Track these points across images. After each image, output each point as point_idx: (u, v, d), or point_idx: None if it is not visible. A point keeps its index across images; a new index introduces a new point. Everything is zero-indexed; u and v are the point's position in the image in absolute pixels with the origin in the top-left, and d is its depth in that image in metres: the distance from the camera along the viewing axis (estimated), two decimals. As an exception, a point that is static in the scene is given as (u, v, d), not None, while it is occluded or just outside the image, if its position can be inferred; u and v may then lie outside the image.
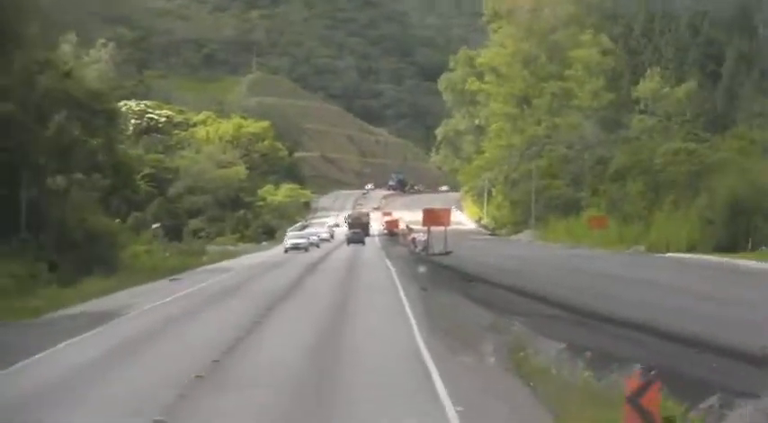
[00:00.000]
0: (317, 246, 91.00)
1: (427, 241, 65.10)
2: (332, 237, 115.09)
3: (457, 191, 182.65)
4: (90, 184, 61.93)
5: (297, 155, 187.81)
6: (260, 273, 55.57)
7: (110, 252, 57.74)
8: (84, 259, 52.68)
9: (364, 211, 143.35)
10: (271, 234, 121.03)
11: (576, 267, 50.40)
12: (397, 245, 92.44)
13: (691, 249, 65.06)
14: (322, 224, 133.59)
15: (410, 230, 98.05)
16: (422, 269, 49.72)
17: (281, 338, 24.29)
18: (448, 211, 68.85)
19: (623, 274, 44.06)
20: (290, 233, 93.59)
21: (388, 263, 59.81)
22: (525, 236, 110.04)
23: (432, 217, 64.86)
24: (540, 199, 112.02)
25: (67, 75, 56.94)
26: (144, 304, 35.78)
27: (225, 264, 68.77)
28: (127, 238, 70.73)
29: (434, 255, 60.84)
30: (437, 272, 48.62)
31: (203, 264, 68.55)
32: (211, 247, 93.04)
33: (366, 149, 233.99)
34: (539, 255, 68.22)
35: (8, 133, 46.60)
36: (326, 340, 23.78)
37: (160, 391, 16.98)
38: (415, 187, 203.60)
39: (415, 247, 71.33)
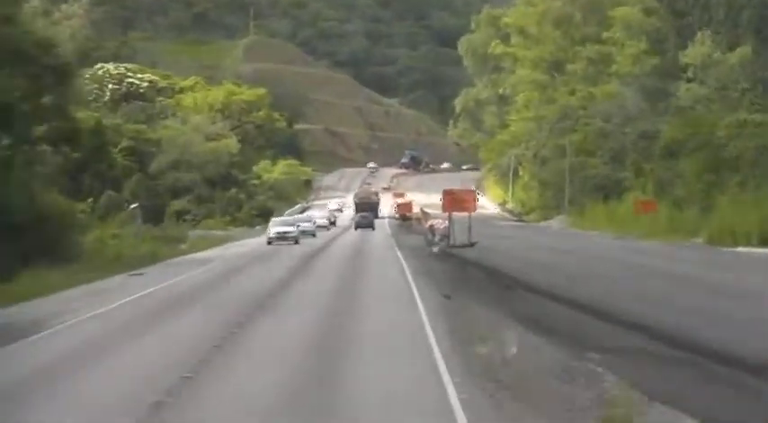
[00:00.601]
0: (313, 234, 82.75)
1: (448, 229, 59.85)
2: (333, 223, 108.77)
3: (460, 169, 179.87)
4: (38, 156, 55.22)
5: (297, 127, 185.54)
6: (243, 266, 50.02)
7: (65, 238, 53.17)
8: (30, 246, 47.74)
9: (373, 189, 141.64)
10: (266, 217, 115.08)
11: (635, 264, 43.85)
12: (410, 232, 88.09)
13: (763, 242, 57.81)
14: (324, 207, 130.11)
15: (425, 215, 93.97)
16: (442, 265, 44.98)
17: (240, 393, 16.84)
18: (473, 194, 63.57)
19: (711, 278, 36.63)
20: (274, 219, 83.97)
21: (400, 255, 54.21)
22: (557, 222, 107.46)
23: (454, 200, 59.28)
24: (575, 179, 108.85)
25: (8, 20, 49.86)
26: (76, 314, 29.43)
27: (206, 253, 64.68)
28: (90, 220, 67.83)
29: (456, 246, 56.55)
30: (462, 269, 42.84)
31: (182, 252, 65.11)
32: (197, 232, 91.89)
33: (375, 122, 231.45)
34: (582, 246, 62.48)
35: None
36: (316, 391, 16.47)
37: None
38: (431, 165, 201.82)
39: (433, 236, 65.83)
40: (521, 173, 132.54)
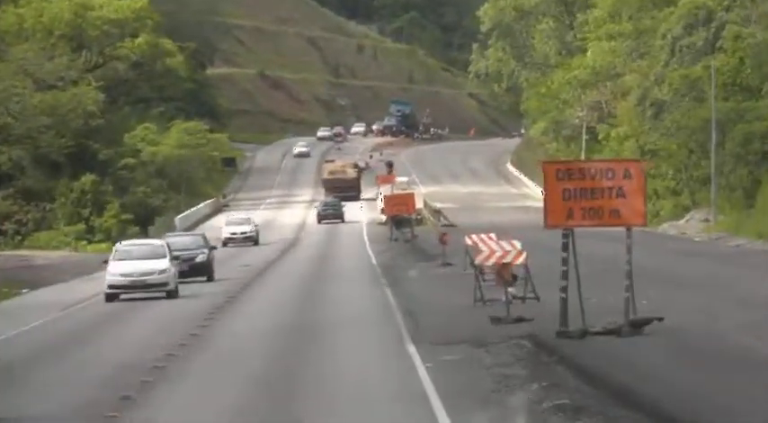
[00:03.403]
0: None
1: (578, 281, 39.03)
2: (204, 272, 74.74)
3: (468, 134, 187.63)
4: None
5: (213, 72, 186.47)
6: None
7: None
8: None
9: (349, 162, 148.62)
10: (146, 224, 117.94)
11: None
12: (418, 257, 78.83)
13: None
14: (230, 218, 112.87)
15: (436, 214, 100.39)
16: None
17: None
18: (639, 175, 38.92)
19: None
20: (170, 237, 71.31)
21: (428, 387, 30.88)
22: (693, 225, 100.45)
23: (583, 193, 37.76)
24: (725, 143, 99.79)
25: None
26: None
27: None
28: None
29: (595, 332, 38.64)
30: None
31: None
32: (19, 254, 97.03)
33: (341, 62, 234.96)
34: None
35: None
36: None
37: None
38: (433, 129, 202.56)
39: (509, 291, 45.32)
40: (607, 134, 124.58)
